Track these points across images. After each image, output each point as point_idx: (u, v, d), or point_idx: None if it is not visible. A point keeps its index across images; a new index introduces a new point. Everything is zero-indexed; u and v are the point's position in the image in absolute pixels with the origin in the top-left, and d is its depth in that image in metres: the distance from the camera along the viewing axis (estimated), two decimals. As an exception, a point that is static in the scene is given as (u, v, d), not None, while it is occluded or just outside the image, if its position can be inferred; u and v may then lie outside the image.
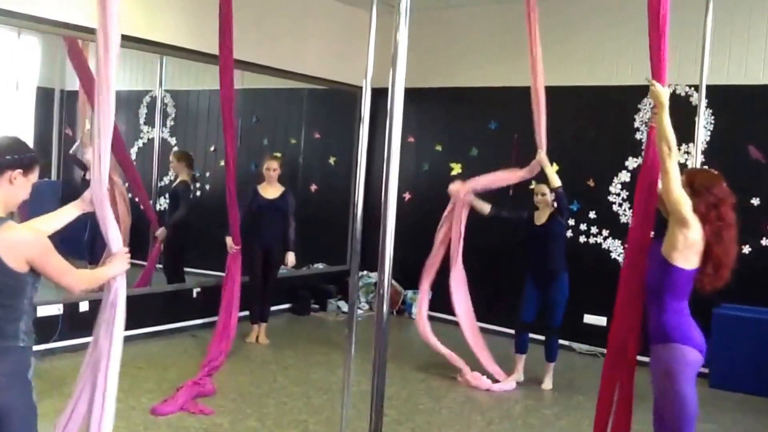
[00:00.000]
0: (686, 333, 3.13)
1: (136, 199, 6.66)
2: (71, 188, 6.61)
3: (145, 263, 6.63)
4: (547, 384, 5.72)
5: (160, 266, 6.91)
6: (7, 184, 2.50)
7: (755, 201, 6.13)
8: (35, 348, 5.37)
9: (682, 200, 3.06)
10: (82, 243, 6.36)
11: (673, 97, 6.46)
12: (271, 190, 6.53)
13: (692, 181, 3.19)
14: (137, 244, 6.81)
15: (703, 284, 3.17)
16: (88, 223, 6.76)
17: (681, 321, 3.15)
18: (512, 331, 6.02)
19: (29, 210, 7.22)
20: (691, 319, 3.18)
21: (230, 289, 5.53)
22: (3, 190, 2.51)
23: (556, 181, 5.45)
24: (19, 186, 2.55)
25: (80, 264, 3.42)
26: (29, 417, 2.70)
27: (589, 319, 6.78)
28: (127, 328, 5.11)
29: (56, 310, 5.66)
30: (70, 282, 2.66)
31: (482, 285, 6.33)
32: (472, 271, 5.84)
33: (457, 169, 7.79)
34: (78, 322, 5.62)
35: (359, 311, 7.57)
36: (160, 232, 6.68)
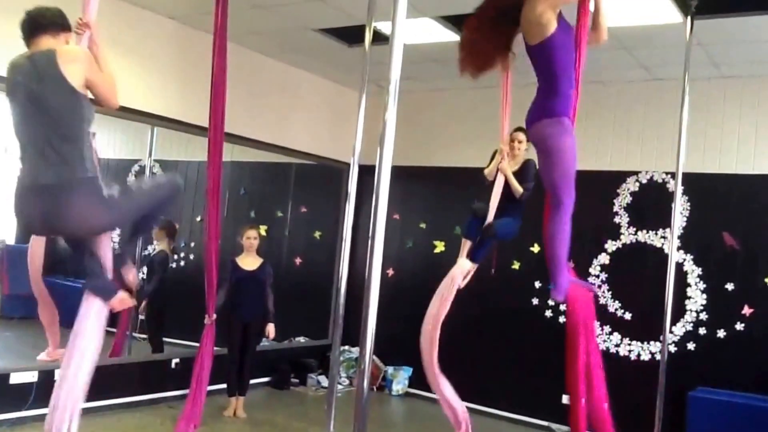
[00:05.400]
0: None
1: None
2: (56, 253, 6.59)
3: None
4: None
5: (142, 336, 6.85)
6: (63, 42, 3.01)
7: (729, 286, 6.23)
8: (6, 416, 5.28)
9: None
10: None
11: (651, 183, 6.71)
12: (250, 261, 6.53)
13: None
14: (111, 314, 6.76)
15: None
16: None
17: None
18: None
19: (10, 273, 7.19)
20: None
21: (200, 362, 5.45)
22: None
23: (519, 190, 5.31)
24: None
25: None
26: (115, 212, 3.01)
27: (567, 399, 6.74)
28: (103, 398, 5.08)
29: (30, 377, 5.54)
30: (112, 88, 3.02)
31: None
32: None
33: (440, 247, 7.87)
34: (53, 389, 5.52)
35: (339, 386, 7.49)
36: None
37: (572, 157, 3.49)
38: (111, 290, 3.14)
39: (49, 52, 2.88)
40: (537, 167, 5.22)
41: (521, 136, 5.16)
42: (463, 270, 5.15)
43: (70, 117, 2.87)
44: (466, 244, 5.33)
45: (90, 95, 3.01)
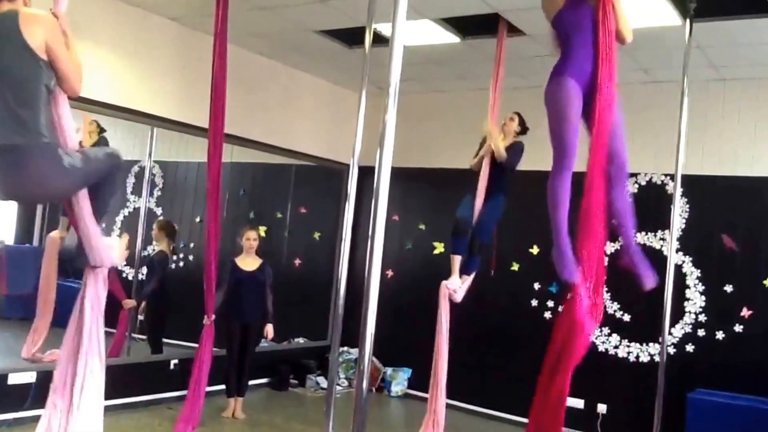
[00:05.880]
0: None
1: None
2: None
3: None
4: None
5: (141, 337, 6.85)
6: (22, 5, 2.85)
7: (728, 288, 6.24)
8: (5, 417, 5.27)
9: None
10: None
11: (650, 185, 6.72)
12: (249, 262, 6.53)
13: None
14: (110, 314, 6.77)
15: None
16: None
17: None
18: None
19: (9, 274, 7.20)
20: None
21: (199, 363, 5.45)
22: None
23: (503, 153, 5.31)
24: None
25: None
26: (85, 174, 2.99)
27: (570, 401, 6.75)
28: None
29: (29, 377, 5.54)
30: (76, 71, 2.88)
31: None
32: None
33: (440, 248, 7.87)
34: (52, 390, 5.52)
35: (338, 387, 7.49)
36: (126, 302, 6.59)
37: (555, 109, 3.41)
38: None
39: (11, 12, 2.79)
40: (523, 152, 5.38)
41: (514, 116, 5.31)
42: (453, 286, 5.22)
43: (27, 80, 2.79)
44: (456, 260, 5.39)
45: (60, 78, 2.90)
